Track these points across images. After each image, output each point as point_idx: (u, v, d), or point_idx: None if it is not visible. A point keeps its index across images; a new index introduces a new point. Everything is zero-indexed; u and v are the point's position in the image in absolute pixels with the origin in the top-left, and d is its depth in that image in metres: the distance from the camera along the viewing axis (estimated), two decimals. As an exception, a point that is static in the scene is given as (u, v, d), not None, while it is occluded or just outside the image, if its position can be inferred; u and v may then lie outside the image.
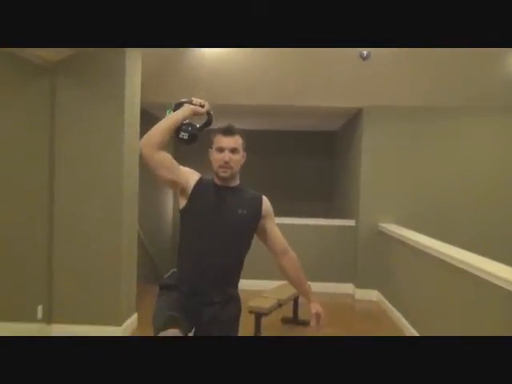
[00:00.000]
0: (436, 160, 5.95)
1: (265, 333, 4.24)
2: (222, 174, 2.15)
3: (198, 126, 2.16)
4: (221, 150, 2.14)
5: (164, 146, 2.06)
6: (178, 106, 2.15)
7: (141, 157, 2.15)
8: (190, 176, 2.18)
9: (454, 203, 5.88)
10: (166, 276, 4.64)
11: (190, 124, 2.14)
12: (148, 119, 5.32)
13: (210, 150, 2.20)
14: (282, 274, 2.30)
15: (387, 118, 5.94)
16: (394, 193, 5.96)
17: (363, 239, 6.05)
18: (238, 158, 2.17)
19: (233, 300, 2.22)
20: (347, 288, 6.21)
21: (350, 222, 6.30)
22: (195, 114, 2.14)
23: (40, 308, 4.04)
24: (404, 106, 5.86)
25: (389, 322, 5.08)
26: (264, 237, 2.27)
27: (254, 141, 6.73)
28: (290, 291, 4.67)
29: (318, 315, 2.26)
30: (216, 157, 2.16)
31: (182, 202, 2.18)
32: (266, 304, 4.20)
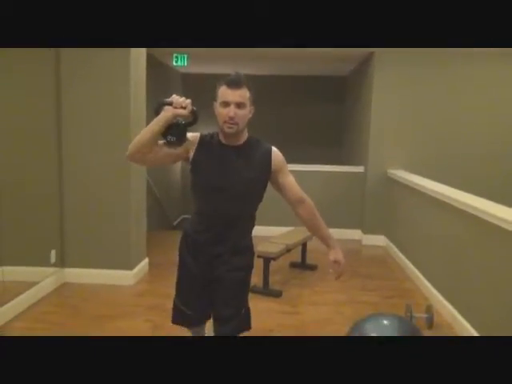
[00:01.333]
0: (447, 106, 5.84)
1: (273, 277, 4.33)
2: (227, 130, 2.03)
3: (183, 122, 2.02)
4: (226, 104, 2.00)
5: (152, 150, 2.02)
6: (160, 106, 2.00)
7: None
8: (189, 143, 2.09)
9: (464, 149, 5.81)
10: (175, 224, 4.73)
11: (176, 124, 2.01)
12: (153, 63, 5.20)
13: (214, 102, 2.07)
14: (300, 221, 2.25)
15: (399, 62, 5.78)
16: (403, 139, 5.89)
17: (371, 185, 6.04)
18: (245, 113, 2.03)
19: (243, 250, 2.24)
20: (355, 234, 6.27)
21: (359, 169, 6.28)
22: (177, 117, 2.00)
23: (53, 252, 4.14)
24: (416, 49, 5.68)
25: (395, 266, 5.16)
26: (278, 188, 2.21)
27: (263, 86, 6.63)
28: (299, 236, 4.73)
29: (337, 262, 2.20)
30: (220, 111, 2.02)
31: (189, 166, 2.16)
32: (274, 249, 4.27)
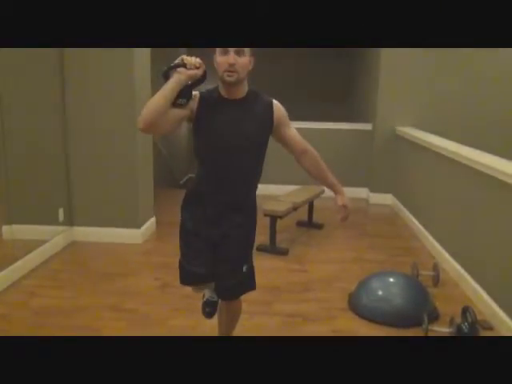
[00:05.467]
0: (457, 64, 5.68)
1: (279, 235, 4.35)
2: (228, 79, 1.99)
3: (189, 83, 1.95)
4: (225, 51, 1.97)
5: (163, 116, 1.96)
6: (170, 70, 1.91)
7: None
8: (191, 102, 2.05)
9: (475, 107, 5.70)
10: (182, 182, 4.69)
11: (185, 86, 1.94)
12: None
13: (214, 55, 2.04)
14: (306, 172, 2.29)
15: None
16: (413, 96, 5.77)
17: (379, 143, 5.98)
18: (245, 62, 2.00)
19: (247, 208, 2.25)
20: (362, 192, 6.25)
21: (367, 126, 6.20)
22: (192, 78, 1.94)
23: (61, 211, 4.16)
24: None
25: (402, 225, 5.16)
26: (281, 142, 2.22)
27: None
28: (306, 195, 4.72)
29: (344, 207, 2.25)
30: (220, 60, 1.99)
31: (190, 124, 2.13)
32: (281, 207, 4.26)
